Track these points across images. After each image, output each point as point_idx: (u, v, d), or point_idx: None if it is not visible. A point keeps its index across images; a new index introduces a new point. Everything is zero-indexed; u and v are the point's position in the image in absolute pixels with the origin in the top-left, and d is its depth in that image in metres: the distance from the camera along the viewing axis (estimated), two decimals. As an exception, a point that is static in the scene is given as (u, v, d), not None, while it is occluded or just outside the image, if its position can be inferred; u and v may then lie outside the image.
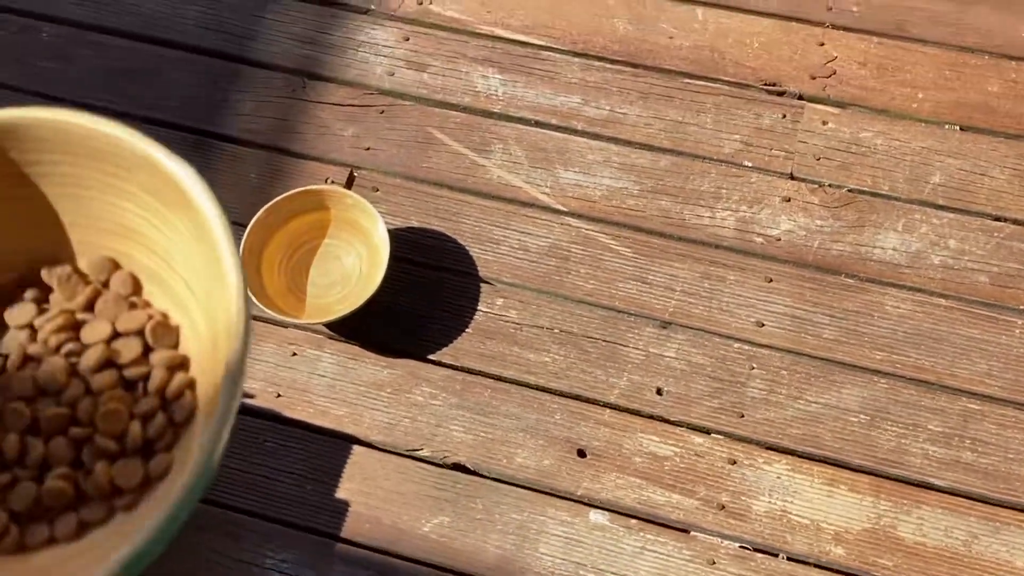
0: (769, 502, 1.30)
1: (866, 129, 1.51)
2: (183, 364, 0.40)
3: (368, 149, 1.55)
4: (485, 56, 1.60)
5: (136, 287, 0.42)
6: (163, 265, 0.43)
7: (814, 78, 1.55)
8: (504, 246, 1.48)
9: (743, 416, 1.35)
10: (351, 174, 1.54)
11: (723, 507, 1.30)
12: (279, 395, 1.41)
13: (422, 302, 1.45)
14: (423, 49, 1.61)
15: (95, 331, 0.41)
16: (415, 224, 1.50)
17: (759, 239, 1.45)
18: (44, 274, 0.42)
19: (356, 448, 1.37)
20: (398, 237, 1.48)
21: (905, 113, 1.52)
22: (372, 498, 1.34)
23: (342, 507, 1.34)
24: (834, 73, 1.55)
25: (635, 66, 1.58)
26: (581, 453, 1.34)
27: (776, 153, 1.50)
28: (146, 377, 0.40)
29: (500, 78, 1.58)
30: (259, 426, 1.39)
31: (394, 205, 1.51)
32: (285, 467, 1.36)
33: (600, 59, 1.59)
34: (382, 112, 1.58)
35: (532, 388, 1.39)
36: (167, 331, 0.41)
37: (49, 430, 0.37)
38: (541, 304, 1.43)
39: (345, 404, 1.40)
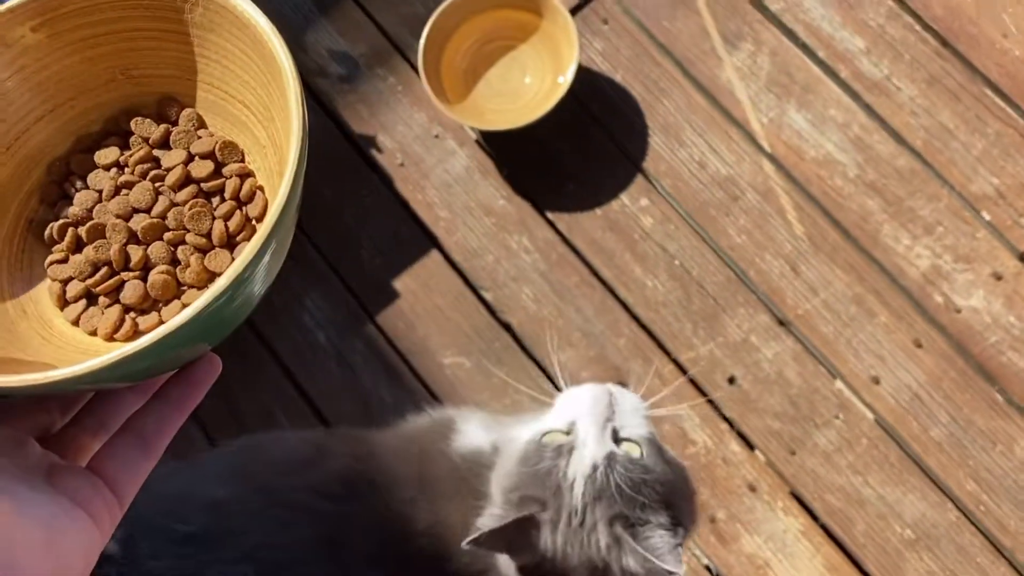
0: (759, 546, 1.19)
1: None
2: (251, 173, 0.50)
3: (624, -23, 1.40)
4: (799, -55, 1.38)
5: (201, 121, 0.51)
6: (222, 95, 0.51)
7: None
8: (685, 151, 1.33)
9: (794, 454, 1.22)
10: (594, -7, 1.41)
11: (714, 521, 1.21)
12: (402, 164, 1.38)
13: (574, 156, 1.35)
14: (743, -97, 1.41)
15: (172, 158, 0.50)
16: (618, 79, 1.37)
17: (940, 298, 1.24)
18: (122, 120, 0.52)
19: (434, 253, 1.34)
20: (593, 83, 1.37)
21: None
22: (420, 304, 1.32)
23: (391, 295, 1.33)
24: None
25: (945, 44, 1.32)
26: (620, 384, 1.26)
27: (1023, 223, 1.25)
28: (222, 188, 0.49)
29: (798, -23, 1.37)
30: (368, 180, 1.38)
31: (611, 48, 1.38)
32: (368, 231, 1.36)
33: (914, 15, 1.34)
34: (661, -53, 1.41)
35: (618, 301, 1.29)
36: (233, 149, 0.50)
37: (146, 238, 0.48)
38: (680, 228, 1.31)
39: (450, 209, 1.36)
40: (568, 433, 0.84)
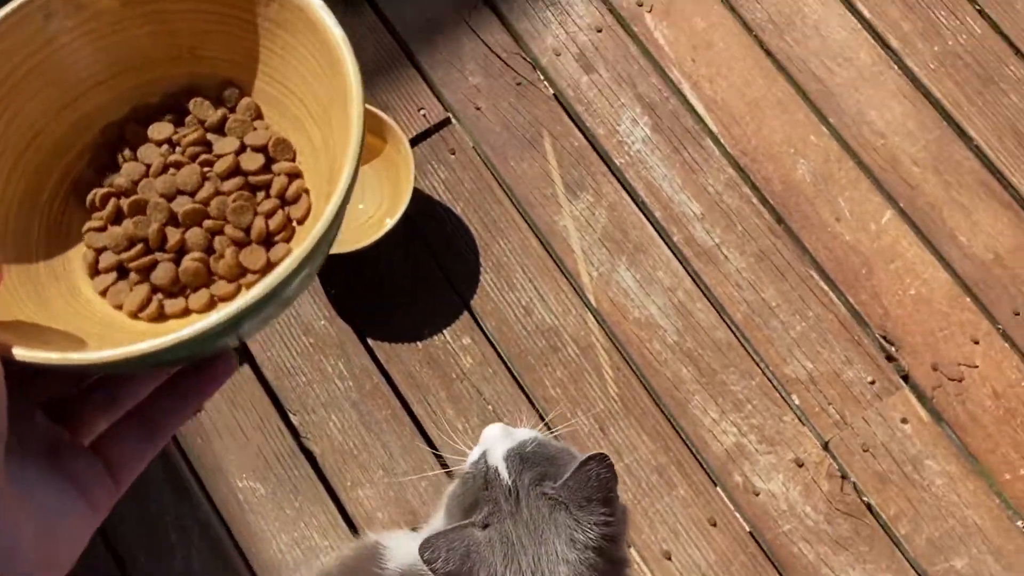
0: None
1: (940, 462, 1.25)
2: (299, 174, 0.50)
3: (478, 109, 1.39)
4: (652, 101, 1.38)
5: (258, 112, 0.52)
6: (282, 90, 0.51)
7: (936, 369, 1.28)
8: (513, 294, 1.32)
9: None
10: (447, 119, 1.39)
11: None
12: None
13: (404, 285, 1.33)
14: (605, 51, 1.41)
15: (225, 145, 0.50)
16: (458, 211, 1.36)
17: (739, 478, 1.25)
18: (182, 98, 0.52)
19: (245, 367, 1.30)
20: (433, 212, 1.35)
21: (990, 474, 1.24)
22: (223, 419, 1.28)
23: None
24: (960, 380, 1.27)
25: (779, 220, 1.34)
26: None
27: (831, 411, 1.27)
28: (269, 184, 0.50)
29: (646, 133, 1.37)
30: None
31: (455, 179, 1.37)
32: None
33: (753, 187, 1.35)
34: (519, 84, 1.40)
35: (425, 440, 1.27)
36: (286, 147, 0.50)
37: (186, 222, 0.48)
38: (499, 373, 1.29)
39: (269, 324, 1.32)
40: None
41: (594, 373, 1.29)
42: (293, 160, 0.50)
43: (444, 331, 1.31)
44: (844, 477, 1.25)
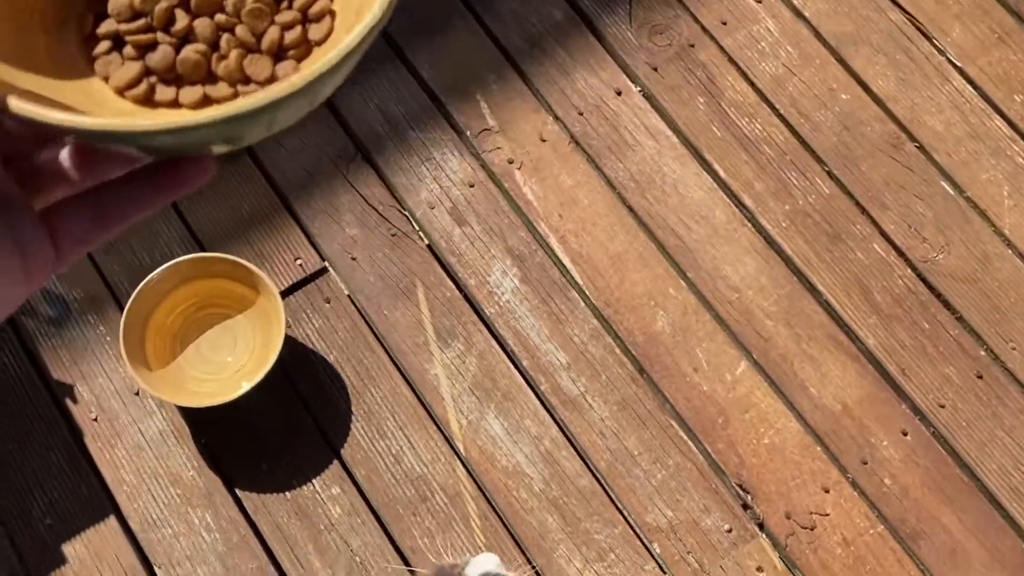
0: None
1: (794, 606, 1.29)
2: None
3: (354, 259, 1.43)
4: (521, 253, 1.44)
5: None
6: None
7: (789, 518, 1.33)
8: (384, 442, 1.35)
9: None
10: (324, 269, 1.43)
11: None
12: (96, 418, 1.34)
13: (275, 434, 1.35)
14: (476, 205, 1.47)
15: None
16: (331, 360, 1.38)
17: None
18: None
19: (111, 519, 1.30)
20: (306, 361, 1.38)
21: (847, 620, 1.29)
22: (87, 571, 1.26)
23: (59, 561, 1.27)
24: (812, 528, 1.33)
25: (641, 372, 1.39)
26: None
27: (691, 560, 1.31)
28: None
29: (515, 284, 1.43)
30: (57, 431, 1.33)
31: (329, 328, 1.40)
32: (46, 486, 1.30)
33: (617, 339, 1.41)
34: (394, 235, 1.45)
35: (291, 594, 1.27)
36: None
37: (198, 9, 0.45)
38: (367, 523, 1.31)
39: (137, 473, 1.32)
40: None
41: (462, 522, 1.32)
42: None
43: (313, 480, 1.33)
44: (702, 625, 1.28)
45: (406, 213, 1.47)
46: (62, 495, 1.30)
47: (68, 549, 1.28)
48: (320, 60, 0.39)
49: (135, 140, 0.39)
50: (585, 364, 1.39)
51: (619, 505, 1.33)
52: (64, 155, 0.43)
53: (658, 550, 1.31)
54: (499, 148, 1.50)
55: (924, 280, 1.44)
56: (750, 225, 1.47)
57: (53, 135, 0.41)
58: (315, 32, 0.46)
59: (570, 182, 1.48)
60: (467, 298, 1.43)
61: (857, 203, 1.49)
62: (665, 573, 1.30)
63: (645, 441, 1.36)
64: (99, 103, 0.45)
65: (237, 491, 1.32)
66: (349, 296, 1.42)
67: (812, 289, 1.44)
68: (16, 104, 0.38)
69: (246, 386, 1.28)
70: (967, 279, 1.44)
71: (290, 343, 1.38)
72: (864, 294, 1.44)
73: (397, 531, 1.31)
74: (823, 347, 1.41)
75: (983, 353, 1.40)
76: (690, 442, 1.36)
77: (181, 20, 0.45)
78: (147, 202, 0.43)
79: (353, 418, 1.36)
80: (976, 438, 1.36)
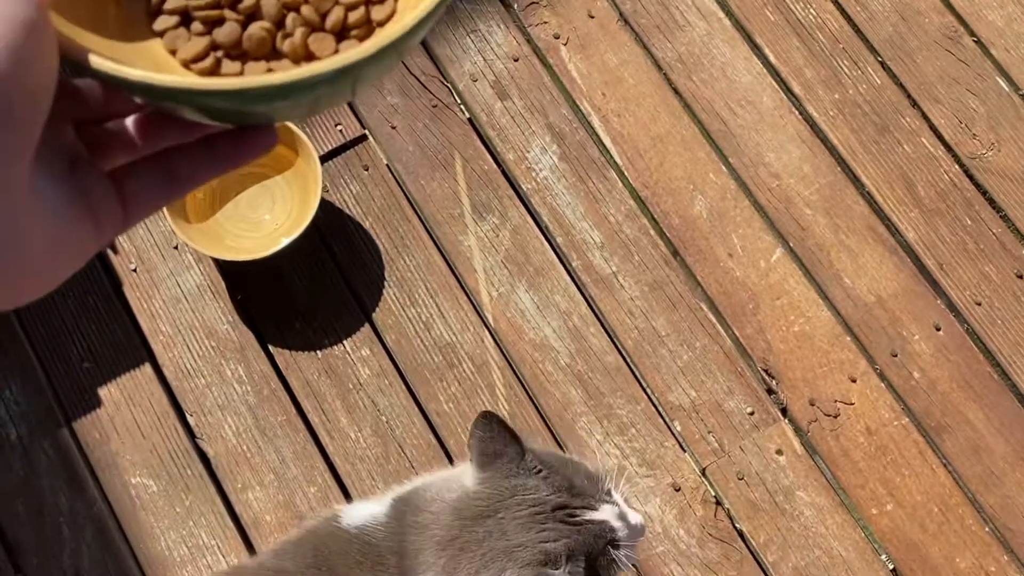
0: None
1: (809, 491, 1.30)
2: None
3: (394, 128, 1.43)
4: (561, 131, 1.43)
5: None
6: None
7: (813, 404, 1.33)
8: (414, 309, 1.36)
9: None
10: (363, 136, 1.43)
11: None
12: (135, 269, 1.37)
13: (308, 294, 1.37)
14: (520, 80, 1.46)
15: None
16: (367, 226, 1.39)
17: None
18: None
19: (146, 366, 1.33)
20: (342, 225, 1.39)
21: (858, 511, 1.30)
22: (121, 416, 1.31)
23: (94, 402, 1.31)
24: (836, 416, 1.33)
25: (675, 254, 1.39)
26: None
27: (711, 439, 1.32)
28: None
29: (554, 162, 1.42)
30: (97, 278, 1.36)
31: (366, 194, 1.41)
32: (83, 330, 1.34)
33: (652, 220, 1.40)
34: (435, 106, 1.44)
35: (319, 448, 1.30)
36: None
37: None
38: (395, 385, 1.33)
39: (173, 324, 1.35)
40: None
41: (487, 390, 1.33)
42: None
43: (344, 341, 1.35)
44: (718, 503, 1.30)
45: (448, 84, 1.46)
46: (100, 341, 1.34)
47: (104, 392, 1.32)
48: (382, 32, 0.39)
49: (216, 99, 0.40)
50: (619, 244, 1.39)
51: (643, 383, 1.34)
52: (129, 122, 0.45)
53: (679, 428, 1.32)
54: (546, 23, 1.48)
55: (971, 176, 1.41)
56: (797, 113, 1.44)
57: (129, 92, 0.42)
58: (378, 13, 0.47)
59: (616, 60, 1.46)
60: (505, 173, 1.42)
61: (908, 95, 1.46)
62: (684, 450, 1.31)
63: (674, 323, 1.36)
64: (167, 72, 0.45)
65: (269, 347, 1.35)
66: (387, 164, 1.42)
67: (855, 180, 1.42)
68: (97, 61, 0.39)
69: (285, 241, 1.29)
70: (1015, 178, 1.41)
71: (327, 207, 1.39)
72: (908, 187, 1.41)
73: (424, 395, 1.33)
74: (862, 238, 1.39)
75: (1026, 254, 1.38)
76: (719, 325, 1.36)
77: None
78: (211, 168, 0.45)
79: (385, 284, 1.38)
80: (1011, 337, 1.35)
